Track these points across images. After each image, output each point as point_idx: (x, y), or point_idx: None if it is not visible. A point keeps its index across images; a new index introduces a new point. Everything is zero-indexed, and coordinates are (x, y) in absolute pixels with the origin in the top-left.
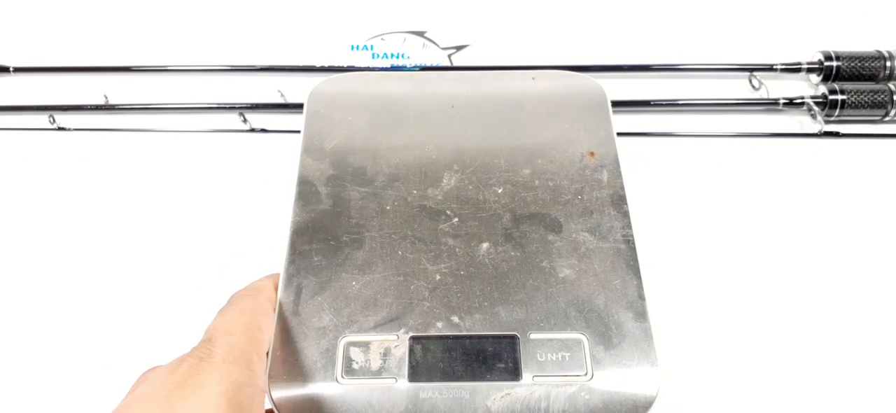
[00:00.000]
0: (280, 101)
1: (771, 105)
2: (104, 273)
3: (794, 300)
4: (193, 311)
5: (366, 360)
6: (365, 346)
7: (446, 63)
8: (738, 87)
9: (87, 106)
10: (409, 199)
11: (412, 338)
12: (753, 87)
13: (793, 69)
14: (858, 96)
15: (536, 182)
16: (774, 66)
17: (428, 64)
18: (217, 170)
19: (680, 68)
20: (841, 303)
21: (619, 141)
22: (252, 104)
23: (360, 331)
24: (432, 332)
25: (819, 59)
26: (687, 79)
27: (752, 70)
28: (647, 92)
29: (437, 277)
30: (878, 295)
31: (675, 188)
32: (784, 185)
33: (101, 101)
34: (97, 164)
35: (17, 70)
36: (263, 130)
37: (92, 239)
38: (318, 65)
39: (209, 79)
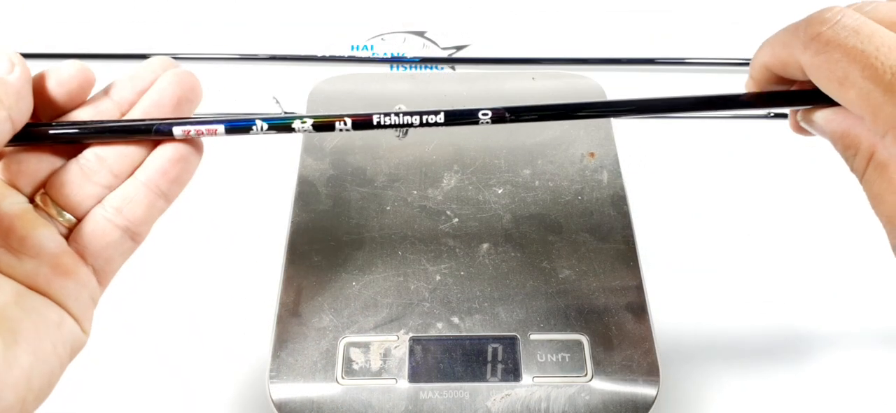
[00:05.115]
0: (274, 106)
1: None
2: None
3: (796, 299)
4: (192, 312)
5: (366, 361)
6: (365, 346)
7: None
8: (740, 85)
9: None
10: (409, 200)
11: (412, 338)
12: None
13: None
14: None
15: (536, 182)
16: None
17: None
18: (216, 169)
19: (684, 62)
20: (843, 302)
21: (619, 140)
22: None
23: (361, 331)
24: (432, 333)
25: None
26: (689, 73)
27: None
28: (649, 88)
29: (437, 278)
30: (879, 294)
31: (675, 188)
32: (786, 185)
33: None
34: None
35: (24, 56)
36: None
37: None
38: (319, 55)
39: (208, 79)
